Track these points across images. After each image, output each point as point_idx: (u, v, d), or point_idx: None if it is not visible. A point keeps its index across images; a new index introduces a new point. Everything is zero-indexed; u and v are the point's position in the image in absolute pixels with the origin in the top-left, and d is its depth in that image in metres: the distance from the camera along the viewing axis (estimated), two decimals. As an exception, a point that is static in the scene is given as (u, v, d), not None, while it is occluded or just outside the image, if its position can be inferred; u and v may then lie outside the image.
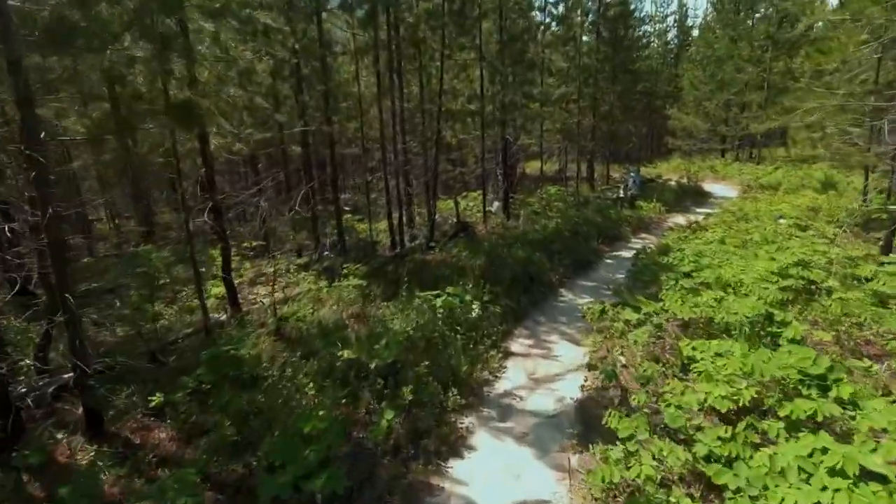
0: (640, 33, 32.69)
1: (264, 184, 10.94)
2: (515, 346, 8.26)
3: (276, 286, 9.03)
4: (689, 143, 36.58)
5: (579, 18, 23.19)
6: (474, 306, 8.44)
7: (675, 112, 36.38)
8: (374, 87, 14.15)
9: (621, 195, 21.47)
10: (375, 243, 14.27)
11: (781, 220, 13.51)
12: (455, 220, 16.64)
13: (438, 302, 8.22)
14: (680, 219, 18.15)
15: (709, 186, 24.63)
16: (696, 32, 45.24)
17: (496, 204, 20.42)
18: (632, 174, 24.01)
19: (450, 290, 8.70)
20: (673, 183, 25.42)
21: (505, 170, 18.99)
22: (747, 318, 6.16)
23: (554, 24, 23.30)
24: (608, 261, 13.03)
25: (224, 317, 8.63)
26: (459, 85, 16.77)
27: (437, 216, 19.98)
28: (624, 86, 26.45)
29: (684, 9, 45.38)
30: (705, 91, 34.18)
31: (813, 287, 7.87)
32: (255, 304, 9.23)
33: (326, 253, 12.22)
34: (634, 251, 13.40)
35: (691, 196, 21.97)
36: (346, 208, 20.04)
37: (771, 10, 28.99)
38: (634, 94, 28.65)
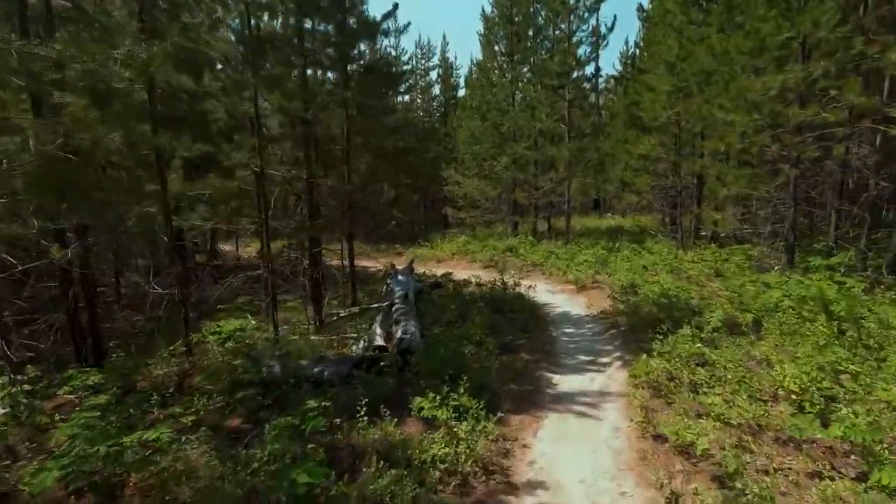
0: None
1: None
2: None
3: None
4: (474, 215, 27.21)
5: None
6: None
7: (451, 174, 26.85)
8: None
9: (379, 343, 8.64)
10: None
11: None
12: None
13: None
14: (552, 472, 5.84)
15: (529, 284, 13.75)
16: (461, 92, 38.84)
17: None
18: (400, 278, 11.67)
19: None
20: (473, 287, 13.94)
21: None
22: None
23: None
24: None
25: None
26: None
27: None
28: (374, 119, 14.51)
29: (448, 64, 38.46)
30: (488, 147, 25.49)
31: None
32: None
33: None
34: None
35: (519, 319, 10.41)
36: None
37: (564, 45, 21.57)
38: (394, 135, 16.90)
